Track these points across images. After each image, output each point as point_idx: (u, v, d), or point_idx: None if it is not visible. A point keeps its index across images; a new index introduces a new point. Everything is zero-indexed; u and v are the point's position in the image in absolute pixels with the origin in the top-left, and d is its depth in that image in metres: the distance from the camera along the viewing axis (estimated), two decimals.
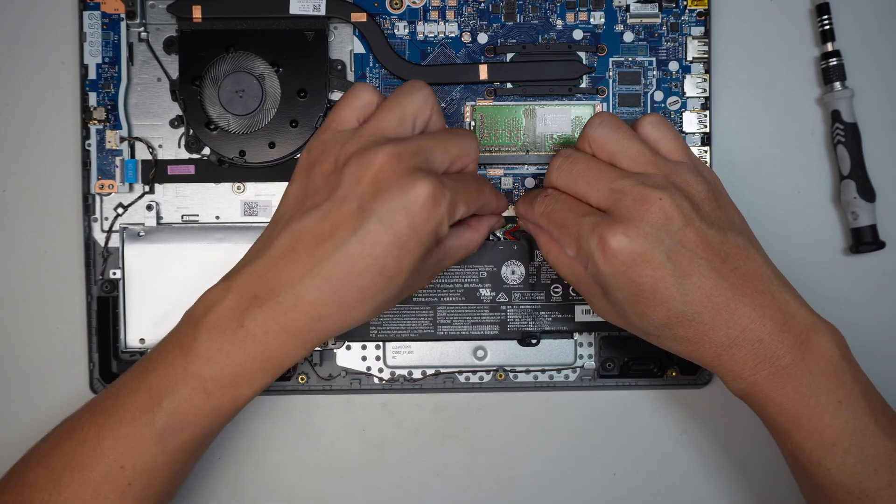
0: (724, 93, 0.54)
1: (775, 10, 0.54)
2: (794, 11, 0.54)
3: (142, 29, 0.52)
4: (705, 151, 0.53)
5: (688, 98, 0.53)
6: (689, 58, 0.53)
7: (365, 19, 0.52)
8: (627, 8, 0.53)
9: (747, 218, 0.47)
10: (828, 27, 0.53)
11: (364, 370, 0.53)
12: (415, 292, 0.47)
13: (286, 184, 0.53)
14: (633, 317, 0.43)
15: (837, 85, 0.53)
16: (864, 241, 0.53)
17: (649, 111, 0.53)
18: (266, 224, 0.52)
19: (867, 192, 0.52)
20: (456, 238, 0.46)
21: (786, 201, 0.54)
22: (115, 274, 0.52)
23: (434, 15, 0.53)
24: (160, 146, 0.53)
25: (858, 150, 0.53)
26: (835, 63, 0.53)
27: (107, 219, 0.53)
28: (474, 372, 0.53)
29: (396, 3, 0.53)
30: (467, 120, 0.53)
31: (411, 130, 0.44)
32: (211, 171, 0.53)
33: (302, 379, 0.53)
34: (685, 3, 0.53)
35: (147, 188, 0.53)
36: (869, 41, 0.54)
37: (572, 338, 0.53)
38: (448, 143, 0.44)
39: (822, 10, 0.53)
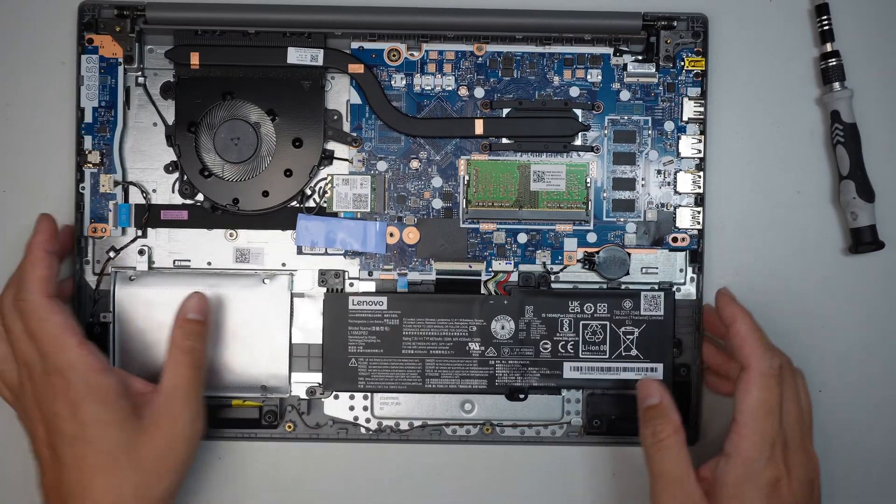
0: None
1: (775, 10, 0.54)
2: (793, 12, 0.55)
3: (139, 73, 0.53)
4: (699, 212, 0.53)
5: (682, 158, 0.53)
6: (685, 118, 0.53)
7: (362, 70, 0.52)
8: (625, 67, 0.53)
9: (748, 218, 0.52)
10: (827, 27, 0.53)
11: (351, 420, 0.53)
12: (188, 446, 0.48)
13: (279, 232, 0.53)
14: None
15: (837, 85, 0.53)
16: (863, 241, 0.53)
17: (642, 170, 0.53)
18: (259, 270, 0.53)
19: (866, 193, 0.52)
20: (164, 374, 0.48)
21: (786, 201, 0.54)
22: (105, 317, 0.52)
23: (431, 68, 0.53)
24: (154, 191, 0.53)
25: (858, 150, 0.53)
26: (834, 63, 0.53)
27: (98, 262, 0.53)
28: (461, 425, 0.53)
29: (394, 55, 0.53)
30: (461, 174, 0.53)
31: None
32: (204, 217, 0.53)
33: (289, 427, 0.53)
34: (682, 63, 0.53)
35: (140, 232, 0.53)
36: (868, 41, 0.54)
37: (560, 394, 0.53)
38: None
39: (822, 10, 0.53)
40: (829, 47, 0.53)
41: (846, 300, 0.55)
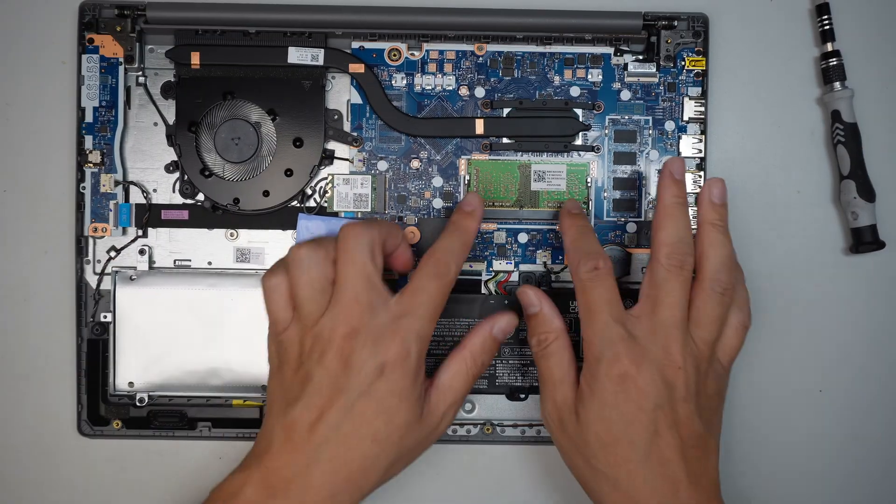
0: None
1: (775, 10, 0.54)
2: (793, 12, 0.54)
3: (140, 73, 0.53)
4: None
5: (683, 157, 0.53)
6: (686, 118, 0.53)
7: (363, 70, 0.52)
8: (625, 66, 0.53)
9: (748, 218, 0.52)
10: (828, 27, 0.53)
11: None
12: (425, 447, 0.47)
13: (279, 231, 0.53)
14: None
15: (837, 85, 0.53)
16: (864, 241, 0.53)
17: (643, 170, 0.53)
18: (259, 270, 0.53)
19: (867, 192, 0.52)
20: (445, 372, 0.47)
21: (786, 201, 0.54)
22: (105, 317, 0.52)
23: (432, 67, 0.53)
24: (154, 190, 0.53)
25: (858, 150, 0.53)
26: (835, 63, 0.53)
27: (99, 261, 0.53)
28: (462, 425, 0.53)
29: (395, 55, 0.53)
30: (462, 174, 0.53)
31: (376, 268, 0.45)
32: (205, 217, 0.53)
33: None
34: (683, 63, 0.53)
35: (140, 232, 0.53)
36: (869, 41, 0.54)
37: None
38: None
39: (822, 10, 0.53)
40: (829, 47, 0.53)
41: (846, 300, 0.55)
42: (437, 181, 0.53)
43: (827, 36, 0.53)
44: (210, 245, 0.53)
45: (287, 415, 0.44)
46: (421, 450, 0.47)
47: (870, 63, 0.54)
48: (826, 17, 0.53)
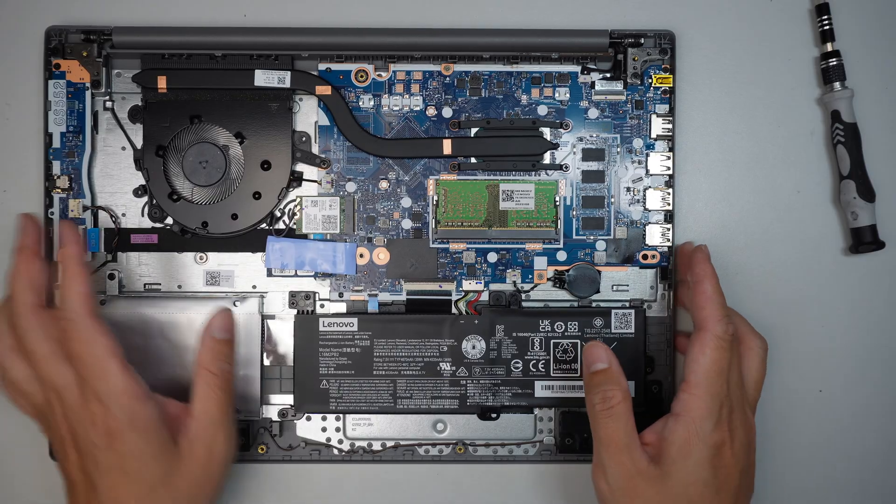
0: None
1: (775, 10, 0.54)
2: (793, 11, 0.55)
3: (107, 98, 0.53)
4: (668, 228, 0.53)
5: (651, 175, 0.53)
6: (654, 135, 0.53)
7: (329, 92, 0.52)
8: (593, 84, 0.53)
9: (748, 218, 0.53)
10: (827, 27, 0.53)
11: (324, 441, 0.53)
12: (221, 472, 0.47)
13: (249, 254, 0.53)
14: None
15: (837, 85, 0.53)
16: (863, 241, 0.53)
17: (612, 188, 0.53)
18: (227, 294, 0.52)
19: (867, 192, 0.52)
20: (193, 396, 0.47)
21: (786, 201, 0.54)
22: None
23: (399, 88, 0.53)
24: (123, 215, 0.53)
25: (858, 150, 0.53)
26: (834, 63, 0.53)
27: None
28: (434, 445, 0.53)
29: (361, 76, 0.53)
30: (430, 194, 0.53)
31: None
32: (174, 241, 0.53)
33: (261, 449, 0.53)
34: (650, 80, 0.53)
35: (109, 257, 0.53)
36: (869, 41, 0.54)
37: (532, 413, 0.53)
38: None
39: (822, 10, 0.53)
40: (829, 47, 0.53)
41: (846, 300, 0.55)
42: (406, 202, 0.53)
43: (827, 36, 0.53)
44: (180, 269, 0.53)
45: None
46: (218, 475, 0.47)
47: (870, 63, 0.54)
48: (826, 17, 0.53)
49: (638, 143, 0.53)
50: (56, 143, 0.52)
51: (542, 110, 0.53)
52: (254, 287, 0.53)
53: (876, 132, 0.54)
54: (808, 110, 0.54)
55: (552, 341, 0.52)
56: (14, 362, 0.46)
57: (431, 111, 0.53)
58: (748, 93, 0.54)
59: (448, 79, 0.53)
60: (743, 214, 0.54)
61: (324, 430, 0.53)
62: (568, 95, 0.53)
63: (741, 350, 0.48)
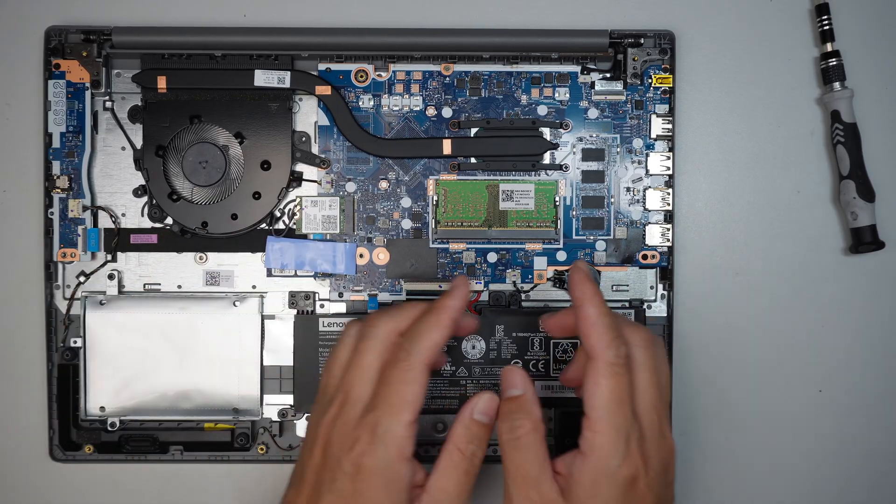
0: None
1: (775, 10, 0.54)
2: (793, 11, 0.55)
3: (107, 98, 0.53)
4: (668, 228, 0.53)
5: (651, 175, 0.53)
6: (654, 135, 0.53)
7: (329, 92, 0.52)
8: (592, 84, 0.53)
9: (748, 218, 0.53)
10: (827, 27, 0.53)
11: None
12: None
13: (248, 254, 0.53)
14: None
15: (837, 85, 0.53)
16: (863, 241, 0.53)
17: (612, 188, 0.53)
18: (229, 292, 0.52)
19: (867, 192, 0.53)
20: (434, 473, 0.43)
21: (786, 201, 0.54)
22: (76, 342, 0.52)
23: (399, 88, 0.53)
24: (123, 215, 0.53)
25: (858, 150, 0.53)
26: (834, 63, 0.53)
27: (69, 286, 0.53)
28: (434, 445, 0.53)
29: (361, 76, 0.53)
30: (430, 194, 0.53)
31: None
32: (173, 241, 0.53)
33: (262, 449, 0.53)
34: (650, 80, 0.53)
35: (109, 257, 0.53)
36: (869, 41, 0.54)
37: None
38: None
39: (822, 10, 0.53)
40: (829, 47, 0.53)
41: (846, 300, 0.55)
42: (406, 202, 0.53)
43: (827, 36, 0.53)
44: (179, 268, 0.53)
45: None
46: None
47: (870, 63, 0.54)
48: (826, 17, 0.53)
49: (638, 143, 0.53)
50: (56, 143, 0.52)
51: (542, 110, 0.53)
52: (253, 287, 0.53)
53: (876, 132, 0.54)
54: (807, 110, 0.54)
55: (552, 341, 0.52)
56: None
57: (431, 111, 0.53)
58: (748, 93, 0.54)
59: (448, 79, 0.53)
60: (743, 214, 0.54)
61: None
62: (568, 95, 0.53)
63: (639, 359, 0.43)
